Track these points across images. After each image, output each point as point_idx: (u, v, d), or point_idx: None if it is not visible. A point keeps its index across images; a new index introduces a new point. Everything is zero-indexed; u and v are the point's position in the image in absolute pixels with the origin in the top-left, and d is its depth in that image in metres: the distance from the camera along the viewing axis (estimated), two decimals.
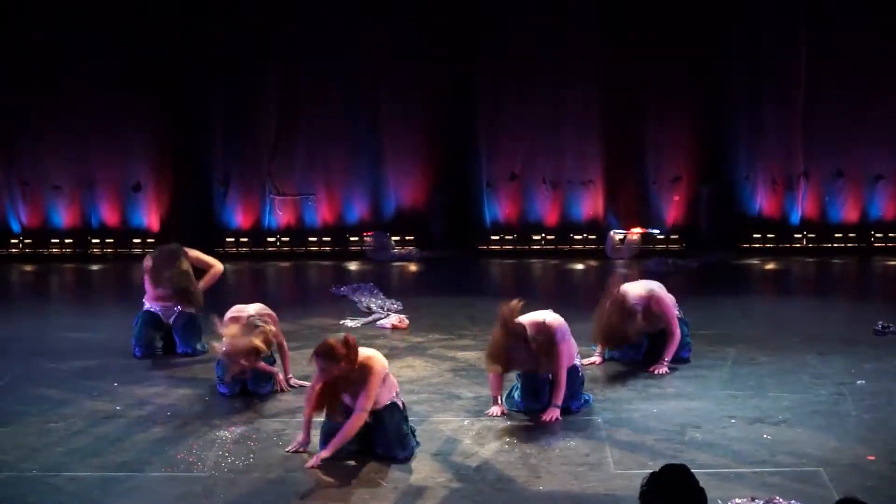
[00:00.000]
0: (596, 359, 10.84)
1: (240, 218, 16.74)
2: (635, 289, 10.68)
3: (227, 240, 16.69)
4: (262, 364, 10.07)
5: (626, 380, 10.46)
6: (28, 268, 16.42)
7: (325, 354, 8.33)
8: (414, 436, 8.78)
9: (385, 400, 8.60)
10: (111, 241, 16.72)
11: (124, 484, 8.17)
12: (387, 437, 8.52)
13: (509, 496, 7.94)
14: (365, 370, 8.42)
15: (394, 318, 12.43)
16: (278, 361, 10.39)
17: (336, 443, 8.40)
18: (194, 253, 11.65)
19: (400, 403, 8.72)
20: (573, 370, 9.53)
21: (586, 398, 9.70)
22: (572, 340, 9.58)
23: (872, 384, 10.15)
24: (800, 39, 16.29)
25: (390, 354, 10.72)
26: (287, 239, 16.79)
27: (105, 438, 9.08)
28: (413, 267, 16.00)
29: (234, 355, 9.86)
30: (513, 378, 9.68)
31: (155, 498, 7.93)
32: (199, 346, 11.42)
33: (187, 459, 8.60)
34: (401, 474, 8.30)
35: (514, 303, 9.26)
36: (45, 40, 16.33)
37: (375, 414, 8.55)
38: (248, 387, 10.09)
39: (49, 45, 16.34)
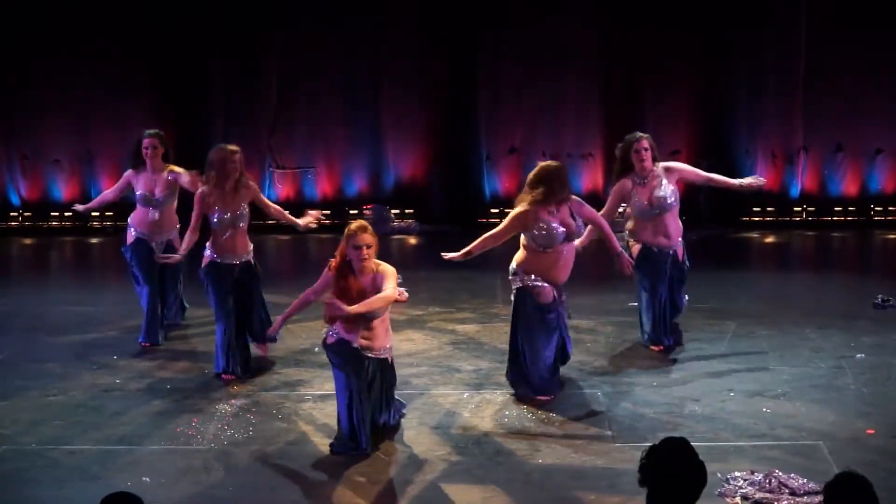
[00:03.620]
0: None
1: None
2: None
3: None
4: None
5: (625, 353, 10.47)
6: (27, 241, 16.41)
7: (366, 228, 8.28)
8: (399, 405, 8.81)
9: (386, 342, 8.50)
10: (111, 214, 16.69)
11: (124, 457, 8.19)
12: (375, 399, 8.51)
13: (509, 469, 7.96)
14: (383, 270, 8.34)
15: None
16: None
17: (366, 304, 8.09)
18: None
19: (390, 360, 8.63)
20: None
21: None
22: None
23: (872, 358, 10.16)
24: (800, 12, 16.24)
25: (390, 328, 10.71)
26: (286, 212, 16.73)
27: (104, 412, 9.09)
28: (412, 240, 16.00)
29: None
30: None
31: (154, 471, 7.93)
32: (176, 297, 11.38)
33: (187, 433, 8.61)
34: (400, 447, 8.32)
35: None
36: (44, 14, 16.28)
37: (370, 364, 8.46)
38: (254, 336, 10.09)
39: (47, 19, 16.29)
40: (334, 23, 16.49)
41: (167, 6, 16.33)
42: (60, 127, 16.65)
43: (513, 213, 9.19)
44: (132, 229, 11.05)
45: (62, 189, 16.78)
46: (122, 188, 11.25)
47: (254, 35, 16.60)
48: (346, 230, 8.34)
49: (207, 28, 16.53)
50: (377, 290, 8.24)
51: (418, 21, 16.58)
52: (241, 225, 10.06)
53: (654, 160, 10.52)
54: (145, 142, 10.99)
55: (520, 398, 9.25)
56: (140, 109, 16.59)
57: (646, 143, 10.47)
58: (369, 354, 8.37)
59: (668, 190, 10.41)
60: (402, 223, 16.43)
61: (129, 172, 11.11)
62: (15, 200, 16.83)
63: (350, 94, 16.75)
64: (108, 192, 11.54)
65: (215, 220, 9.97)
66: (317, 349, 10.48)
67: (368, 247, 8.25)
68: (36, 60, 16.43)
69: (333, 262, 8.37)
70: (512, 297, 9.37)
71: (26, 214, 16.80)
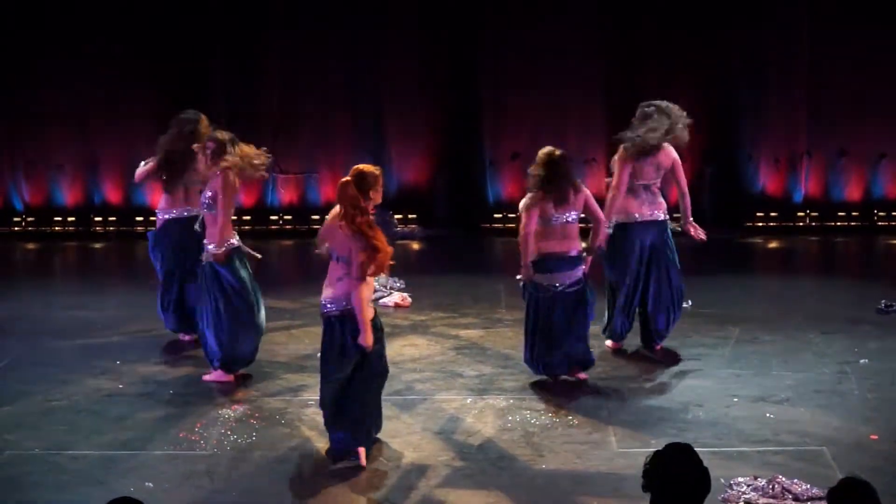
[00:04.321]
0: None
1: (242, 196, 16.66)
2: None
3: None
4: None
5: (628, 359, 10.45)
6: (31, 246, 16.41)
7: None
8: None
9: None
10: (114, 219, 16.69)
11: (127, 462, 8.19)
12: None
13: (512, 475, 7.95)
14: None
15: (396, 297, 12.42)
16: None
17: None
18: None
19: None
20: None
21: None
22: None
23: (876, 363, 10.15)
24: (802, 16, 16.23)
25: (393, 333, 10.73)
26: (290, 217, 16.76)
27: (108, 417, 9.08)
28: (415, 245, 15.99)
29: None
30: None
31: (158, 476, 7.93)
32: None
33: (190, 438, 8.61)
34: (403, 453, 8.31)
35: None
36: (47, 19, 16.27)
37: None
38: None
39: (50, 25, 16.27)
40: (335, 24, 16.43)
41: (168, 8, 16.30)
42: (63, 131, 16.61)
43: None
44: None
45: (65, 194, 16.76)
46: None
47: (256, 39, 16.56)
48: (361, 176, 8.39)
49: (209, 30, 16.50)
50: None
51: (421, 27, 16.55)
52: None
53: None
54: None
55: (523, 403, 9.26)
56: (143, 115, 16.54)
57: None
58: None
59: None
60: (405, 228, 16.43)
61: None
62: (18, 205, 16.82)
63: (352, 98, 16.72)
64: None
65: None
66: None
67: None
68: (39, 66, 16.38)
69: (363, 215, 8.27)
70: (583, 281, 9.63)
71: (29, 219, 16.79)
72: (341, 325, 8.11)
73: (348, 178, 8.27)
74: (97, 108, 16.54)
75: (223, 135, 10.00)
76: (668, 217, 10.51)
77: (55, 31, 16.32)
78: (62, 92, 16.46)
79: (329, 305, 8.13)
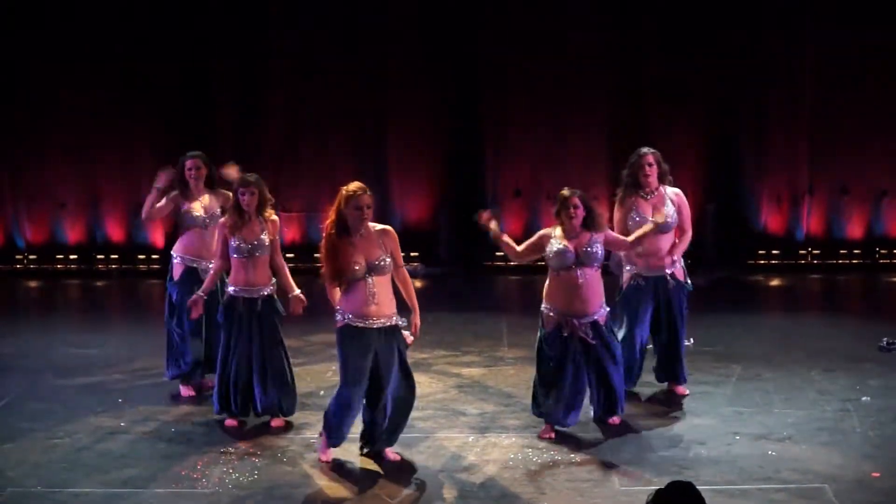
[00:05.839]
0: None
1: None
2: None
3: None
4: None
5: (631, 397, 10.43)
6: (33, 283, 16.42)
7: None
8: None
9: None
10: (116, 257, 16.70)
11: (128, 500, 8.18)
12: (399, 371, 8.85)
13: None
14: (385, 232, 9.23)
15: None
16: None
17: (415, 301, 9.28)
18: None
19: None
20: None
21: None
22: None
23: (877, 401, 10.15)
24: (805, 55, 16.28)
25: None
26: (292, 255, 16.75)
27: (110, 455, 9.08)
28: (418, 283, 15.99)
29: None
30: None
31: None
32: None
33: (192, 476, 8.60)
34: (405, 490, 8.31)
35: None
36: (49, 58, 16.33)
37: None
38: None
39: (53, 63, 16.33)
40: (339, 67, 16.50)
41: (172, 49, 16.35)
42: (66, 170, 16.65)
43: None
44: (178, 258, 10.72)
45: (68, 232, 16.78)
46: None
47: (259, 80, 16.62)
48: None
49: (212, 71, 16.56)
50: (386, 241, 9.43)
51: (423, 66, 16.59)
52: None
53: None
54: (188, 163, 10.76)
55: (525, 441, 9.25)
56: (146, 153, 16.56)
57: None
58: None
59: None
60: (407, 266, 16.42)
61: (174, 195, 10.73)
62: (20, 243, 16.83)
63: (355, 136, 16.75)
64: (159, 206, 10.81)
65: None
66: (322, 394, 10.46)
67: (369, 207, 9.24)
68: (42, 104, 16.43)
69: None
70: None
71: (31, 257, 16.81)
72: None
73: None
74: (99, 146, 16.52)
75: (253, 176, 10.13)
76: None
77: (56, 70, 16.33)
78: (64, 130, 16.46)
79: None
